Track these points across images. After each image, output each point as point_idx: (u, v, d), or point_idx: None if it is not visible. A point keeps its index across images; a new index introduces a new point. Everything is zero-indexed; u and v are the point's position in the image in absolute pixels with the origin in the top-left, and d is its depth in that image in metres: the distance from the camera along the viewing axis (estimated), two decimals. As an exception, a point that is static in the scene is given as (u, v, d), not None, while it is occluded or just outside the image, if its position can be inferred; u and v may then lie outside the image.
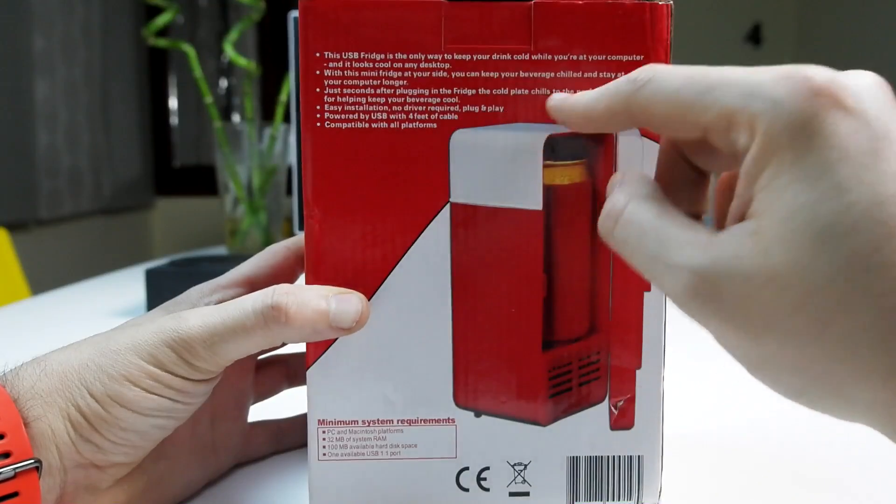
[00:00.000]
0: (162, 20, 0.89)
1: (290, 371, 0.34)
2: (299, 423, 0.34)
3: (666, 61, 0.25)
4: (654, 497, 0.27)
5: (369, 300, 0.26)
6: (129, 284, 0.84)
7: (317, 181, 0.26)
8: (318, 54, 0.25)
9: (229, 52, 0.91)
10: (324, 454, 0.27)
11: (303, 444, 0.34)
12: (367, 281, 0.26)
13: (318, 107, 0.25)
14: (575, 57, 0.25)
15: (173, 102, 2.49)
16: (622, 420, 0.27)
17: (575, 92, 0.25)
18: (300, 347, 0.35)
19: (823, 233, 0.16)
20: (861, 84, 0.18)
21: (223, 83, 2.48)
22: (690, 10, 2.90)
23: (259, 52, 2.40)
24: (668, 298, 0.21)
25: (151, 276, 0.64)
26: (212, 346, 0.25)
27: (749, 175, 0.19)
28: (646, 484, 0.27)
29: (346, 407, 0.26)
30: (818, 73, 0.18)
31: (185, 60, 0.97)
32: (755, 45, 3.10)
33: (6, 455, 0.22)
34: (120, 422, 0.24)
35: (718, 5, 3.06)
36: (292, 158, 0.81)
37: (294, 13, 0.78)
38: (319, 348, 0.26)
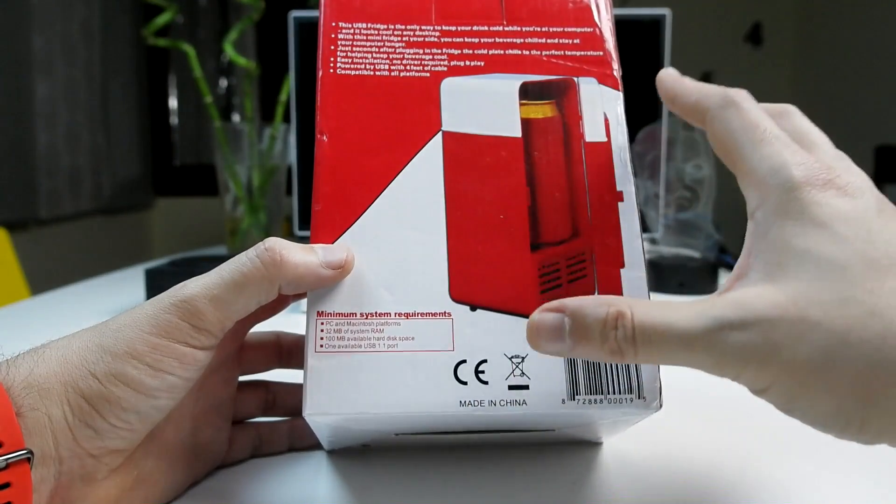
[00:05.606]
0: (162, 20, 0.89)
1: (270, 396, 0.35)
2: (279, 428, 0.34)
3: (613, 33, 0.33)
4: (654, 395, 0.27)
5: (370, 206, 0.29)
6: (129, 284, 0.84)
7: (325, 110, 0.30)
8: (333, 24, 0.32)
9: (229, 52, 0.91)
10: (321, 346, 0.27)
11: (281, 451, 0.34)
12: (368, 190, 0.29)
13: (331, 59, 0.31)
14: (539, 28, 0.32)
15: (173, 102, 2.49)
16: None
17: (542, 54, 0.32)
18: (283, 376, 0.35)
19: (827, 267, 0.21)
20: (853, 174, 0.24)
21: (223, 83, 2.48)
22: (690, 10, 2.90)
23: (259, 52, 2.40)
24: (720, 373, 0.22)
25: (151, 276, 0.64)
26: (214, 300, 0.25)
27: (758, 227, 0.24)
28: (645, 381, 0.27)
29: (345, 299, 0.28)
30: (820, 164, 0.23)
31: (185, 60, 0.97)
32: (755, 45, 3.10)
33: None
34: (122, 402, 0.24)
35: (718, 5, 3.06)
36: (292, 158, 0.81)
37: (294, 13, 0.78)
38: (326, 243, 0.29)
